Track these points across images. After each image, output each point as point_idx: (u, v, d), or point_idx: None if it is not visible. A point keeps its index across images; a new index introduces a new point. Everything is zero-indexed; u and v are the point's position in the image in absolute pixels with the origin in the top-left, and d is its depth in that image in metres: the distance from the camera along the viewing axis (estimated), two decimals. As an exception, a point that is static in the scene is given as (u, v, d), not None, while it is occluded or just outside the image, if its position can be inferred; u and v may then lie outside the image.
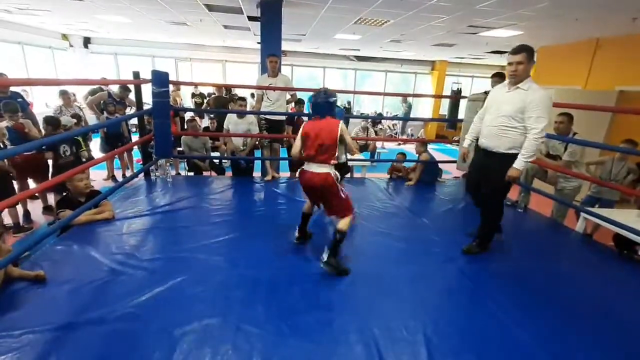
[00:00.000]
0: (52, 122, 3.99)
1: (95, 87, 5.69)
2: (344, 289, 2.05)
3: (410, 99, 11.13)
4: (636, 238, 2.57)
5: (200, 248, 2.43)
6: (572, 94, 5.51)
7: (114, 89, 5.41)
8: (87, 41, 10.19)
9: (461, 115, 4.89)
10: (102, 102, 5.28)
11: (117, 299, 1.84)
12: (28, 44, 8.38)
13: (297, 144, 2.29)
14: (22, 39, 8.18)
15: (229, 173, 4.88)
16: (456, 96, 5.42)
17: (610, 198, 3.61)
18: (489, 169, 2.40)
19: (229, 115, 4.27)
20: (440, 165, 4.59)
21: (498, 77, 4.16)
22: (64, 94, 5.35)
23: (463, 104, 4.70)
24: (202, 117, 7.67)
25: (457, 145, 4.43)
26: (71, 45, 9.98)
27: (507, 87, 2.30)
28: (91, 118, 5.83)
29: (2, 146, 3.45)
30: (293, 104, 5.23)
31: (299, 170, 2.43)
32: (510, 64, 2.20)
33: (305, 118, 4.36)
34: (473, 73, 12.05)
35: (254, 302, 1.88)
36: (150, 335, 1.60)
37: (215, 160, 5.28)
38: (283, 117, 4.45)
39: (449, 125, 7.24)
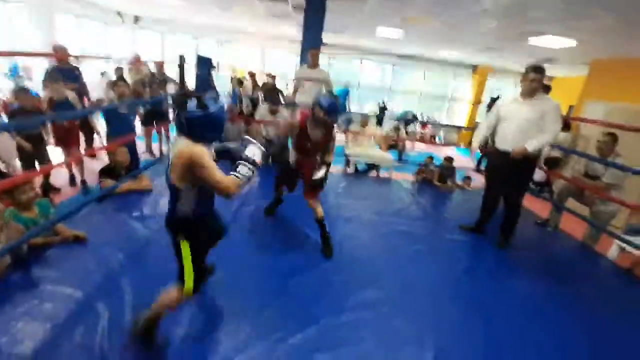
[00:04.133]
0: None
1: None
2: (353, 288, 2.10)
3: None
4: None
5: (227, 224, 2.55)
6: (624, 113, 5.17)
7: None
8: (137, 19, 10.63)
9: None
10: (146, 80, 5.54)
11: (153, 261, 2.00)
12: (84, 16, 8.87)
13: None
14: (79, 12, 8.66)
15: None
16: (493, 103, 5.24)
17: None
18: (510, 172, 2.73)
19: (262, 111, 4.34)
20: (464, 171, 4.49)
21: (544, 89, 4.00)
22: (118, 71, 5.68)
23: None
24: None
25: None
26: (123, 22, 10.46)
27: (522, 99, 2.69)
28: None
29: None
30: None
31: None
32: (532, 80, 2.60)
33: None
34: (516, 81, 11.51)
35: (273, 284, 1.98)
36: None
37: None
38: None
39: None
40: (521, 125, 2.66)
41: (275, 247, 2.38)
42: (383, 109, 9.96)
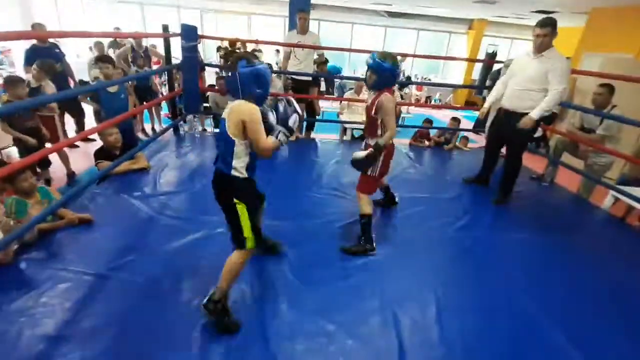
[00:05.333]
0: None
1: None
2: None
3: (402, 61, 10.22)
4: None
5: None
6: (622, 63, 5.08)
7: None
8: (114, -11, 10.04)
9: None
10: (129, 55, 5.33)
11: (159, 242, 2.05)
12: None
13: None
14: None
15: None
16: (490, 60, 5.10)
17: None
18: (510, 128, 2.71)
19: None
20: (465, 132, 4.49)
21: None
22: (98, 45, 5.45)
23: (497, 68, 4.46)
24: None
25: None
26: (99, -6, 9.89)
27: (532, 55, 2.59)
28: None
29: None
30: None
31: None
32: (537, 35, 2.49)
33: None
34: (514, 35, 11.16)
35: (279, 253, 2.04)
36: (188, 274, 1.80)
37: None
38: (310, 77, 4.39)
39: (479, 92, 6.91)
40: (521, 83, 2.63)
41: (283, 215, 2.42)
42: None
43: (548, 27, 2.45)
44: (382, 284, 1.87)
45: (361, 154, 2.07)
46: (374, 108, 2.05)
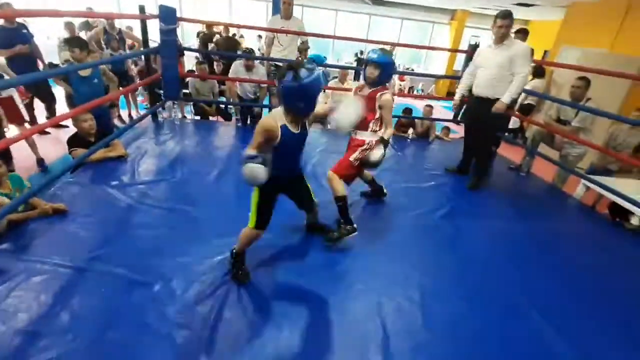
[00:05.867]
0: None
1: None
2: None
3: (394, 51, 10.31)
4: (631, 207, 2.66)
5: (208, 190, 2.54)
6: (596, 57, 5.26)
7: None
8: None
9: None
10: (101, 38, 5.06)
11: (138, 233, 1.99)
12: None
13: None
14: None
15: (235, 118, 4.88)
16: (472, 51, 5.18)
17: (611, 168, 3.62)
18: (482, 114, 2.88)
19: (237, 68, 4.11)
20: (445, 122, 4.55)
21: (522, 34, 3.97)
22: (69, 26, 5.15)
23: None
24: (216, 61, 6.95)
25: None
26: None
27: (494, 45, 2.80)
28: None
29: None
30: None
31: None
32: (500, 26, 2.69)
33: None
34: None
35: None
36: (169, 264, 1.76)
37: (221, 105, 5.23)
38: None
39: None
40: (491, 71, 2.81)
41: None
42: (361, 61, 9.68)
43: (508, 18, 2.68)
44: (366, 272, 1.89)
45: (378, 154, 2.08)
46: (376, 104, 2.09)
